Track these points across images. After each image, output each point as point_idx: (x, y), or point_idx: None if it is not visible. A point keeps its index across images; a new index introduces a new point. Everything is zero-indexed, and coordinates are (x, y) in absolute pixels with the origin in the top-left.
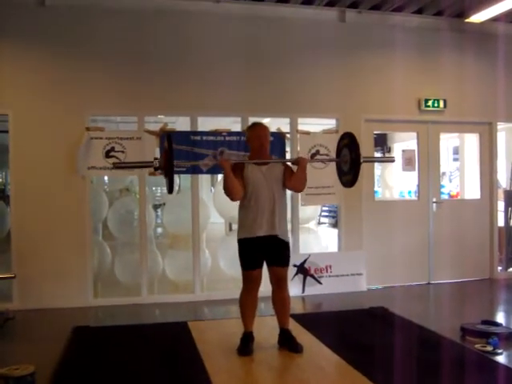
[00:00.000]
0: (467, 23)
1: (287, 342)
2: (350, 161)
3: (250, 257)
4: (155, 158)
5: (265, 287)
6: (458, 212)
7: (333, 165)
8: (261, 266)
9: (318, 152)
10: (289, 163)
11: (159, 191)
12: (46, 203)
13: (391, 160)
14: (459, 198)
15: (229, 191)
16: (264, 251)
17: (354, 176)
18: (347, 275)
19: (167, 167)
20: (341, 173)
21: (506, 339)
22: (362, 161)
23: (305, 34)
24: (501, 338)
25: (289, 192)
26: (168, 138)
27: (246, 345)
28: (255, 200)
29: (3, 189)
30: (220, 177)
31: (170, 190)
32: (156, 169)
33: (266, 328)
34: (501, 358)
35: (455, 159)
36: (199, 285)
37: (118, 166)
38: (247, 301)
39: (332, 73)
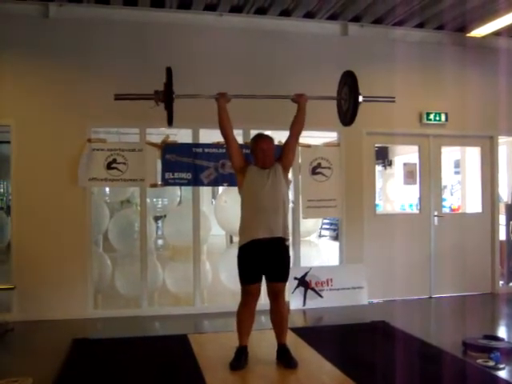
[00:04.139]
0: (469, 37)
1: (282, 358)
2: (349, 98)
3: (248, 270)
4: (155, 91)
5: (265, 300)
6: (459, 226)
7: (335, 177)
8: (259, 281)
9: (319, 165)
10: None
11: (160, 203)
12: (46, 214)
13: (391, 100)
14: (461, 211)
15: (220, 123)
16: (264, 262)
17: (352, 112)
18: (348, 289)
19: (167, 99)
20: (340, 111)
21: (508, 354)
22: (361, 99)
23: (307, 47)
24: (503, 353)
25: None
26: (168, 70)
27: (239, 359)
28: (256, 200)
29: (2, 199)
30: (221, 189)
31: (170, 121)
32: (157, 101)
33: (267, 342)
34: (503, 373)
35: (456, 172)
36: (199, 297)
37: (119, 97)
38: (244, 315)
39: (333, 86)
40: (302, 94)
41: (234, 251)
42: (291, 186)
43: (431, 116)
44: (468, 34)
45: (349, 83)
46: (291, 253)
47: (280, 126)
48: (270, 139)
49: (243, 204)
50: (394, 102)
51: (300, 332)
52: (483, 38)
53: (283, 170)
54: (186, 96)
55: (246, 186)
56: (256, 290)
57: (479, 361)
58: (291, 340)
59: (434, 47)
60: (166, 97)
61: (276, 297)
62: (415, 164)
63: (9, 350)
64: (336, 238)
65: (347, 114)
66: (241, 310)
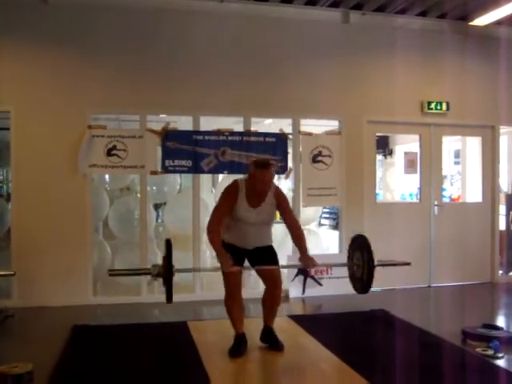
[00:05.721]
0: (471, 26)
1: (270, 340)
2: (363, 264)
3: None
4: (153, 265)
5: (257, 289)
6: (459, 215)
7: (335, 166)
8: (241, 266)
9: (320, 153)
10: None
11: (160, 189)
12: (46, 201)
13: (406, 264)
14: (461, 201)
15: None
16: (246, 255)
17: (368, 281)
18: (348, 277)
19: (167, 274)
20: (353, 277)
21: (506, 343)
22: (375, 264)
23: (308, 34)
24: (502, 342)
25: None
26: (167, 243)
27: (238, 346)
28: (240, 227)
29: (2, 186)
30: (221, 177)
31: (169, 298)
32: (154, 276)
33: None
34: (501, 362)
35: (456, 163)
36: (199, 285)
37: (114, 273)
38: (233, 305)
39: (335, 74)
40: (311, 259)
41: None
42: (292, 175)
43: (432, 105)
44: (470, 23)
45: (361, 248)
46: (291, 241)
47: (281, 113)
48: (271, 172)
49: (231, 219)
50: (409, 265)
51: (299, 320)
52: (485, 26)
53: (276, 206)
54: (186, 270)
55: (235, 217)
56: (238, 275)
57: (478, 349)
58: (291, 327)
59: (435, 36)
60: (167, 272)
61: (273, 279)
62: (416, 153)
63: (9, 336)
64: (336, 227)
65: (362, 282)
66: (229, 303)
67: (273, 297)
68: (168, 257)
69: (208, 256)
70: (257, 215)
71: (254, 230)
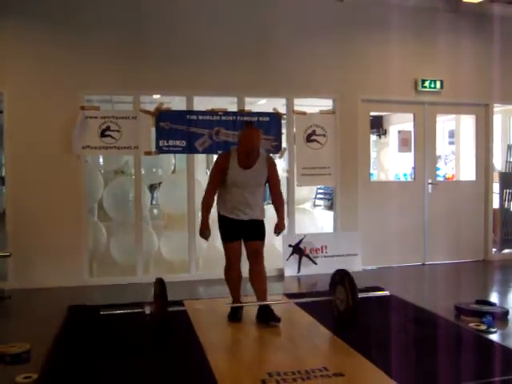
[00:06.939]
0: (464, 3)
1: (266, 315)
2: (346, 298)
3: (228, 231)
4: (146, 305)
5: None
6: (453, 194)
7: (329, 145)
8: (239, 239)
9: (314, 132)
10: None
11: (154, 171)
12: (41, 183)
13: (386, 295)
14: (455, 179)
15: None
16: (241, 229)
17: (352, 314)
18: (342, 255)
19: (160, 314)
20: (336, 310)
21: (499, 318)
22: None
23: (303, 12)
24: (494, 317)
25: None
26: (160, 282)
27: (236, 311)
28: (234, 193)
29: None
30: (215, 157)
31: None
32: (147, 316)
33: None
34: (494, 337)
35: (451, 143)
36: (195, 264)
37: (106, 310)
38: (232, 276)
39: (329, 53)
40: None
41: None
42: (286, 154)
43: (426, 83)
44: (464, 0)
45: (344, 284)
46: (286, 220)
47: (275, 93)
48: (258, 135)
49: (225, 187)
50: (388, 297)
51: (295, 297)
52: (479, 4)
53: (266, 172)
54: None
55: (229, 181)
56: (236, 247)
57: (471, 325)
58: (286, 305)
59: (429, 13)
60: (160, 311)
61: (255, 255)
62: (410, 131)
63: (6, 316)
64: (330, 208)
65: (346, 315)
66: (228, 273)
67: (255, 273)
68: (162, 295)
69: None
70: (249, 177)
71: (248, 194)
